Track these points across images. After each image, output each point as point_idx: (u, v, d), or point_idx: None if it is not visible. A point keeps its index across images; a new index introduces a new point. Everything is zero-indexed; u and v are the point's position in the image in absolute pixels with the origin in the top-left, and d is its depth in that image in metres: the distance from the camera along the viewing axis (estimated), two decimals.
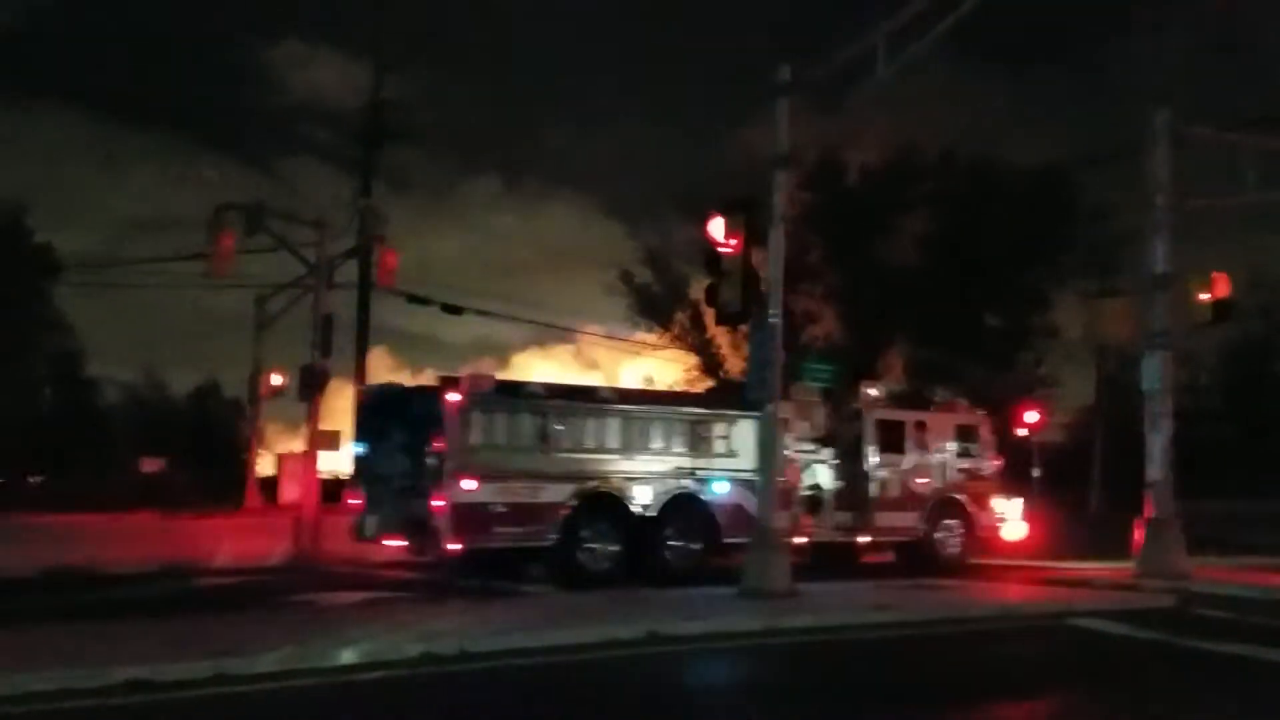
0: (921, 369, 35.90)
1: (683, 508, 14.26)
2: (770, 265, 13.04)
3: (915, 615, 11.39)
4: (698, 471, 14.44)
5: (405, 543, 13.87)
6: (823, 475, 15.90)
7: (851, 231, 40.27)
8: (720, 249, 12.66)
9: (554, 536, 13.32)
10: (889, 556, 17.01)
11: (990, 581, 14.81)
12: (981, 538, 16.96)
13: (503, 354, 64.96)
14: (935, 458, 16.67)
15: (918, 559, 16.25)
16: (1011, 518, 17.19)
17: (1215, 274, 14.90)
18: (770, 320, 12.85)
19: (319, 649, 8.48)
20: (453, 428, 12.86)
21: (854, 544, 16.18)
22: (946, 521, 16.69)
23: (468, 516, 12.79)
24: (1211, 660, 9.52)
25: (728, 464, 14.69)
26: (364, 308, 27.49)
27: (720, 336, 44.84)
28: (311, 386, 17.64)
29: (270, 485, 31.89)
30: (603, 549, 13.74)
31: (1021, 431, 30.22)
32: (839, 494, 15.95)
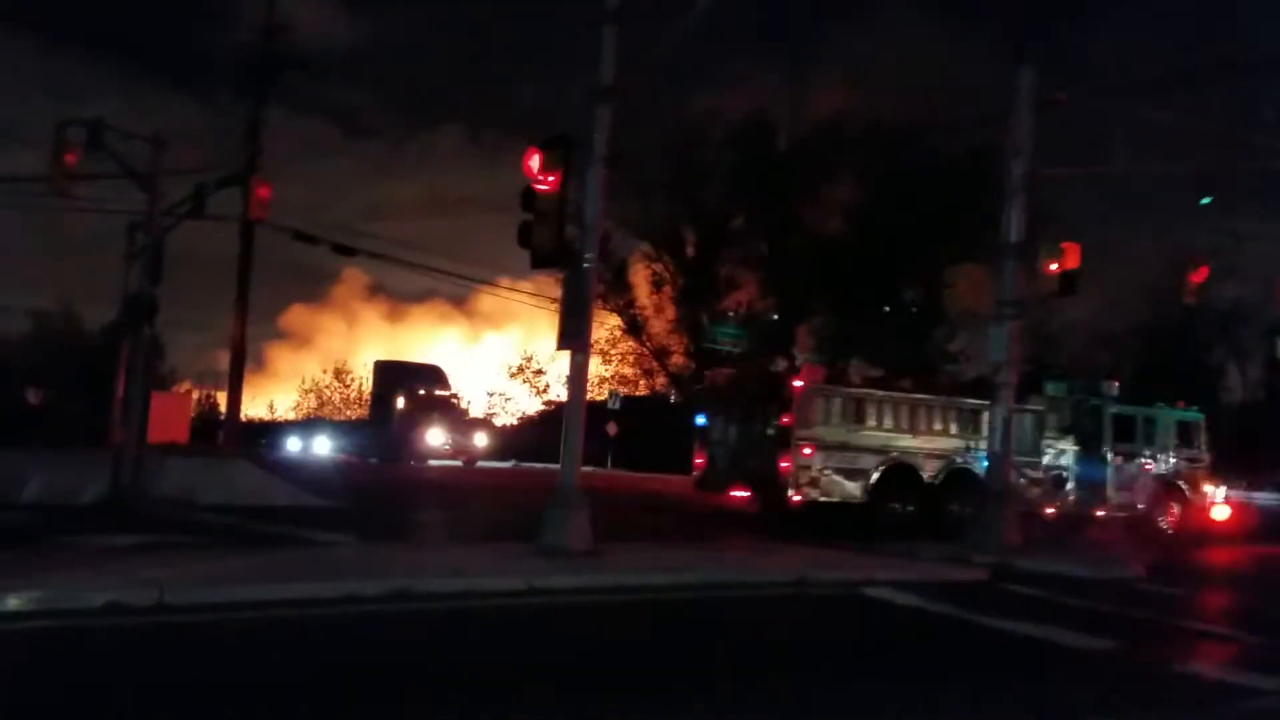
0: (834, 340, 35.23)
1: (960, 479, 16.95)
2: (587, 207, 12.27)
3: (703, 579, 10.85)
4: (971, 450, 17.11)
5: (748, 494, 17.47)
6: (1066, 459, 18.51)
7: (777, 198, 39.55)
8: (537, 187, 11.92)
9: (865, 497, 16.39)
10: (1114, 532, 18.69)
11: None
12: (1194, 518, 19.82)
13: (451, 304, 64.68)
14: (1160, 448, 19.42)
15: (1140, 533, 18.33)
16: (1218, 501, 20.15)
17: (1066, 244, 14.42)
18: (584, 265, 12.14)
19: None
20: (797, 406, 16.14)
21: (1090, 517, 18.66)
22: (1166, 502, 19.47)
23: (806, 476, 16.04)
24: (981, 637, 9.05)
25: None
26: (247, 241, 26.47)
27: (643, 298, 44.15)
28: (137, 316, 16.62)
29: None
30: (901, 509, 16.65)
31: None
32: (1078, 475, 18.57)
